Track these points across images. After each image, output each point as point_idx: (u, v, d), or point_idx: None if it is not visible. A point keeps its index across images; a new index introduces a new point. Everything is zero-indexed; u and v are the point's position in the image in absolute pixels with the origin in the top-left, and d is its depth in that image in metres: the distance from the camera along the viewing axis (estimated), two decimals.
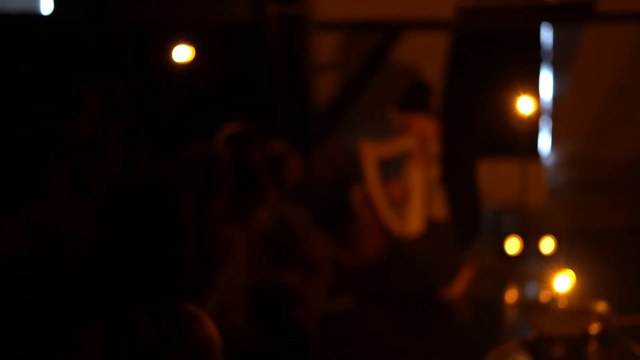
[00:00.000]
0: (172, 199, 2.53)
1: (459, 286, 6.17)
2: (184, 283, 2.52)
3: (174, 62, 8.27)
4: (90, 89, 4.73)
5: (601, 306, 4.22)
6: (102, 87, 5.02)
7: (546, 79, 10.73)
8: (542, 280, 6.54)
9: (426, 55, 9.91)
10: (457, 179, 6.16)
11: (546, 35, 10.67)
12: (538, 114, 8.12)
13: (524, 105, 6.97)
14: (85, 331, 2.41)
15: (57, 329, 2.47)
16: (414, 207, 6.13)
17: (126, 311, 2.33)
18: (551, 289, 4.39)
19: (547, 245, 7.23)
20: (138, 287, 2.42)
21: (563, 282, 4.40)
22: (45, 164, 3.90)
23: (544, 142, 10.86)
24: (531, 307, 4.19)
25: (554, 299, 4.20)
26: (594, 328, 4.44)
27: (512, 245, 7.11)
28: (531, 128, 7.27)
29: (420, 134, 6.26)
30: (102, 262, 2.46)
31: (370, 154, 6.17)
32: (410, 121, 6.28)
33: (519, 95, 7.03)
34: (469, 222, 6.33)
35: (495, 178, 10.11)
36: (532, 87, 8.13)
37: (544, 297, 4.32)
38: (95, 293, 2.44)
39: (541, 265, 7.13)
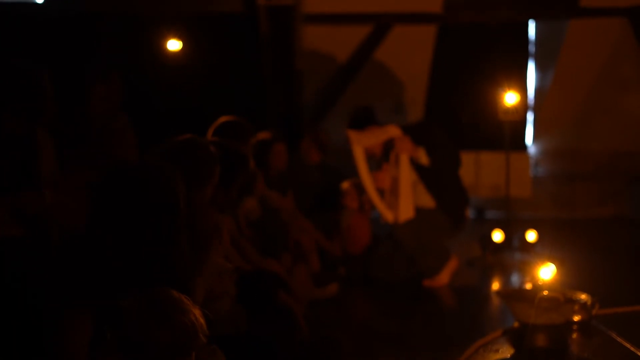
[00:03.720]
0: (164, 187, 2.58)
1: (444, 275, 6.22)
2: (178, 270, 2.56)
3: (166, 52, 8.30)
4: (87, 79, 4.74)
5: (583, 296, 4.28)
6: (97, 77, 5.03)
7: (530, 72, 10.81)
8: (526, 270, 6.61)
9: (413, 48, 9.95)
10: (442, 155, 6.21)
11: (531, 28, 10.74)
12: (523, 106, 8.17)
13: (510, 98, 7.03)
14: (74, 315, 2.46)
15: (46, 311, 2.51)
16: (407, 193, 6.19)
17: (114, 296, 2.36)
18: (534, 279, 4.46)
19: (531, 235, 7.29)
20: (132, 274, 2.48)
21: (546, 272, 4.47)
22: (38, 152, 3.92)
23: (529, 135, 10.94)
24: (514, 297, 4.25)
25: (537, 288, 4.27)
26: (576, 317, 4.52)
27: (497, 236, 7.16)
28: (516, 121, 7.32)
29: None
30: (95, 249, 2.50)
31: (359, 142, 6.19)
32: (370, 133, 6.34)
33: (505, 88, 7.08)
34: (454, 210, 6.37)
35: (480, 169, 10.19)
36: (518, 80, 8.18)
37: (527, 287, 4.37)
38: (86, 279, 2.48)
39: (525, 256, 7.20)
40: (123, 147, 4.83)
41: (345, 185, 6.87)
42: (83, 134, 4.57)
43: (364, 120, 6.38)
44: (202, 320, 2.34)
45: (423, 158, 6.17)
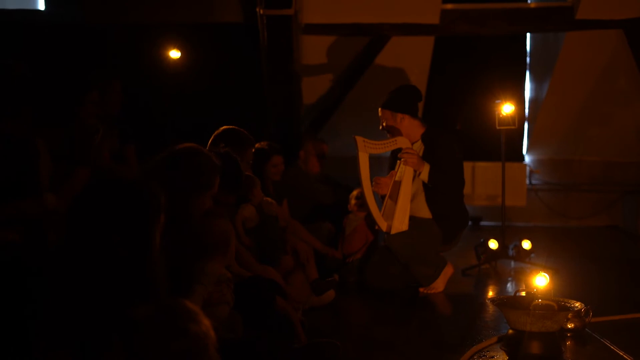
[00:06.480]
0: (139, 202, 2.61)
1: (439, 282, 6.25)
2: (152, 285, 2.58)
3: (166, 61, 8.33)
4: (87, 87, 4.78)
5: (577, 304, 4.32)
6: (97, 84, 5.08)
7: (526, 82, 10.88)
8: (520, 278, 6.66)
9: (411, 59, 10.00)
10: (442, 178, 6.21)
11: (527, 39, 10.81)
12: (520, 117, 8.20)
13: (506, 108, 7.06)
14: (70, 324, 2.49)
15: (44, 317, 2.54)
16: (404, 207, 6.20)
17: (120, 307, 2.39)
18: (529, 287, 4.50)
19: (526, 244, 7.33)
20: (104, 287, 2.50)
21: (540, 280, 4.52)
22: (38, 159, 3.95)
23: (524, 145, 11.00)
24: (509, 305, 4.28)
25: (532, 296, 4.31)
26: (570, 325, 4.56)
27: (492, 244, 7.20)
28: (513, 131, 7.35)
29: (408, 136, 6.31)
30: (71, 260, 2.54)
31: (364, 150, 6.12)
32: (399, 123, 6.32)
33: (501, 98, 7.12)
34: (452, 220, 6.38)
35: (476, 179, 10.23)
36: (514, 91, 8.21)
37: (521, 294, 4.40)
38: (80, 288, 2.51)
39: (519, 264, 7.24)
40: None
41: (355, 192, 6.93)
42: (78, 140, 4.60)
43: (406, 104, 6.36)
44: (212, 332, 2.37)
45: (425, 175, 6.14)
